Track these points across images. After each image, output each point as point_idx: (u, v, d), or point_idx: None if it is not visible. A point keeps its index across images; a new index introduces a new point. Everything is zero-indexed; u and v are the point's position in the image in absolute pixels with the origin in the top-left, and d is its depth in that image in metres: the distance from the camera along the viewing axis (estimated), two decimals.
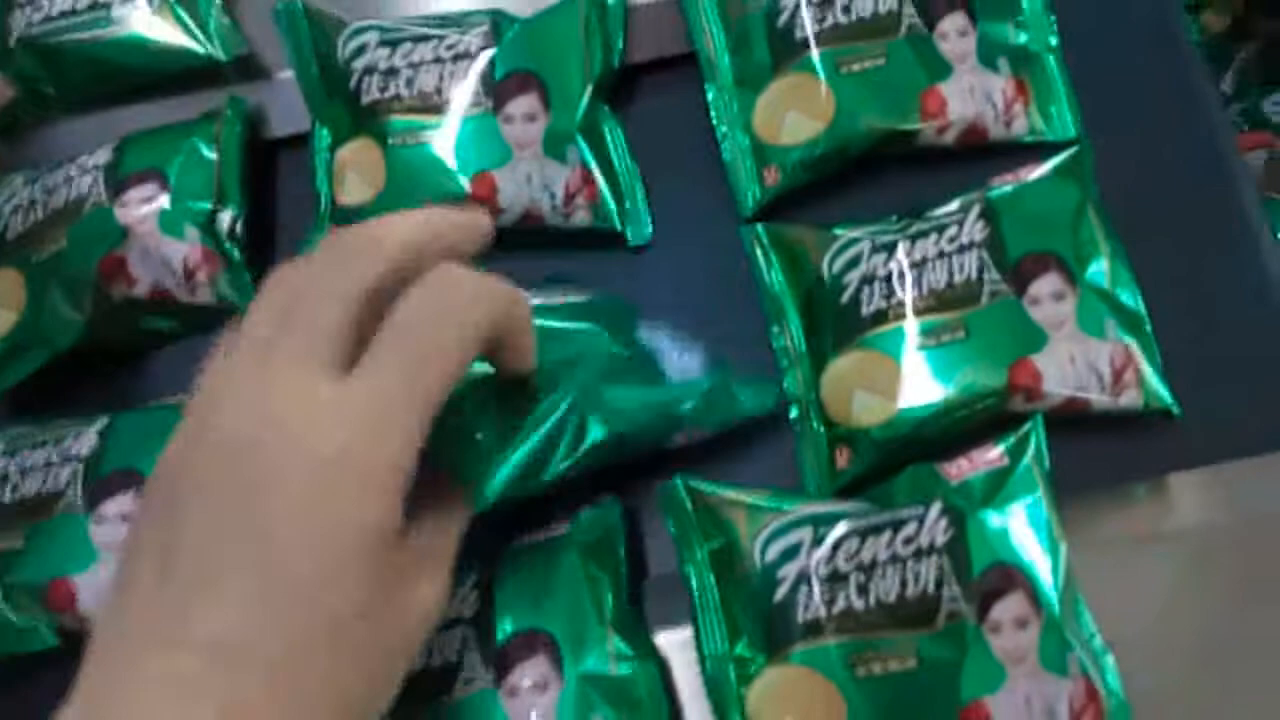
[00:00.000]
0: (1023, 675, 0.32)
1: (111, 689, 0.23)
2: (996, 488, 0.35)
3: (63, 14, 0.42)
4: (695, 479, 0.36)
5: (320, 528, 0.24)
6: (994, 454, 0.36)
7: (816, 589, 0.33)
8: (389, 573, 0.25)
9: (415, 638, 0.27)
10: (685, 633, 0.36)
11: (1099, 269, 0.39)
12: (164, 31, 0.42)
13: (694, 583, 0.35)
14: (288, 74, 0.44)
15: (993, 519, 0.34)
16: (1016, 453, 0.36)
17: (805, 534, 0.34)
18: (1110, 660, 0.34)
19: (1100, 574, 0.36)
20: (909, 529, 0.33)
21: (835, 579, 0.33)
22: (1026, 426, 0.36)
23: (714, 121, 0.43)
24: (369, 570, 0.24)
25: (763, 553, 0.34)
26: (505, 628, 0.34)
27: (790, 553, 0.33)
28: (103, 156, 0.41)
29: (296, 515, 0.23)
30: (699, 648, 0.35)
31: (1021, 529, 0.34)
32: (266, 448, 0.24)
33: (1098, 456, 0.39)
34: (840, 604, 0.33)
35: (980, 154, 0.42)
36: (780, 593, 0.33)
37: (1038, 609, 0.33)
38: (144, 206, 0.39)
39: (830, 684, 0.32)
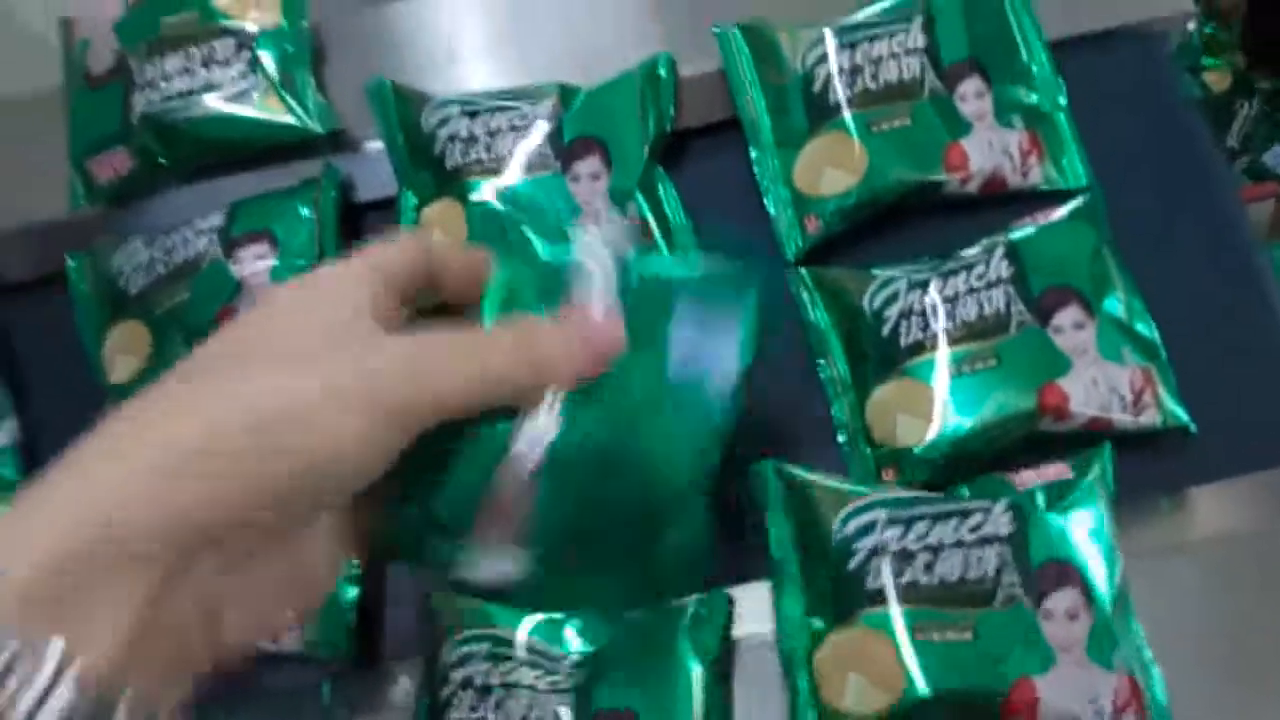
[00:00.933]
0: (1071, 663, 0.36)
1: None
2: (1060, 496, 0.39)
3: (180, 94, 0.47)
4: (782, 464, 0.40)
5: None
6: (1060, 468, 0.39)
7: (887, 562, 0.37)
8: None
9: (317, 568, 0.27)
10: (758, 588, 0.40)
11: (1115, 301, 0.43)
12: (269, 109, 0.48)
13: (777, 552, 0.39)
14: (375, 145, 0.49)
15: (1054, 521, 0.38)
16: (1082, 468, 0.39)
17: (881, 514, 0.37)
18: (1158, 672, 0.37)
19: (1132, 582, 0.39)
20: (975, 519, 0.37)
21: (905, 556, 0.37)
22: (1096, 448, 0.40)
23: (757, 178, 0.47)
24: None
25: (841, 528, 0.38)
26: (600, 701, 0.37)
27: (866, 529, 0.37)
28: (216, 219, 0.46)
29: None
30: (776, 608, 0.39)
31: (1081, 534, 0.38)
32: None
33: (1122, 473, 0.42)
34: (907, 577, 0.36)
35: (1001, 201, 0.46)
36: (854, 563, 0.37)
37: (1089, 606, 0.36)
38: (257, 262, 0.44)
39: (892, 646, 0.36)
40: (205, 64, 0.47)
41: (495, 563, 0.30)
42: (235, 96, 0.47)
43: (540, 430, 0.29)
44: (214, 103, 0.48)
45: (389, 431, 0.25)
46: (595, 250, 0.31)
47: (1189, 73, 1.06)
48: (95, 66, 0.49)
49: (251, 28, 0.48)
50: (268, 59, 0.48)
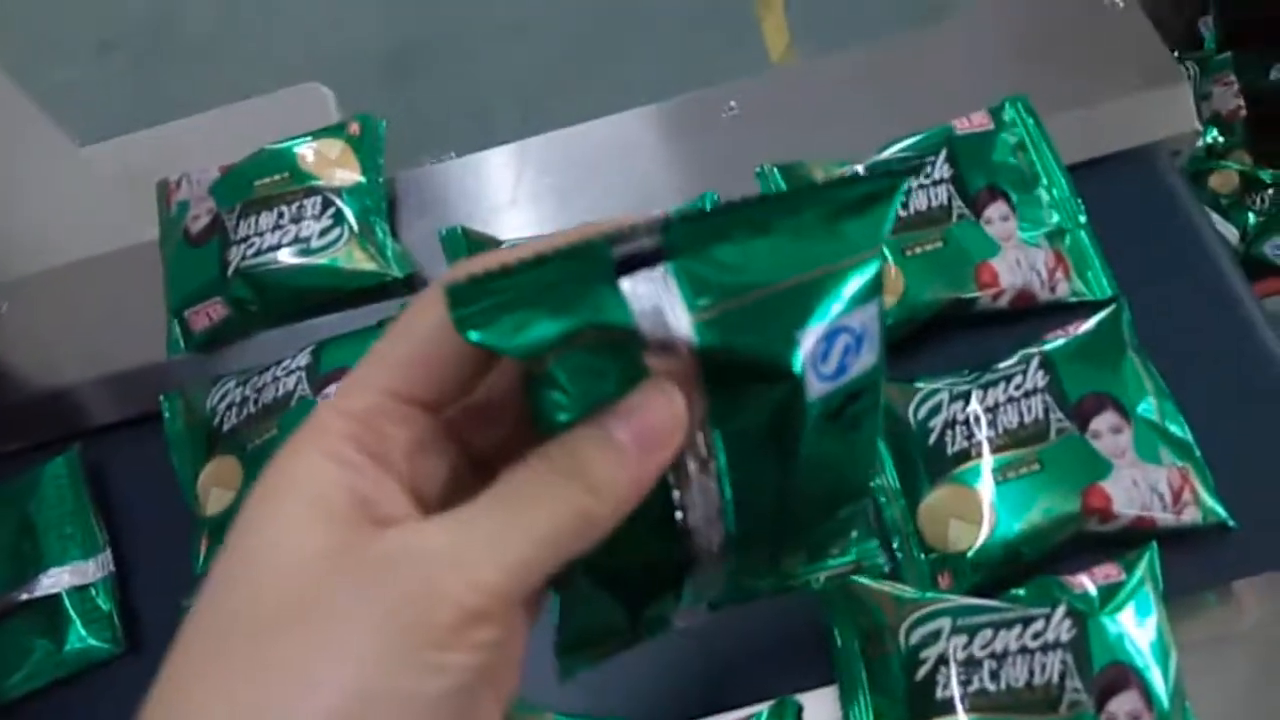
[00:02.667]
0: None
1: None
2: (1114, 597, 0.40)
3: (270, 249, 0.52)
4: None
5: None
6: (1111, 569, 0.41)
7: (954, 671, 0.38)
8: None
9: None
10: (824, 694, 0.42)
11: (1148, 405, 0.45)
12: (352, 258, 0.52)
13: (842, 660, 0.41)
14: None
15: (1111, 624, 0.39)
16: (1132, 569, 0.41)
17: (945, 623, 0.39)
18: None
19: (1184, 675, 0.40)
20: (1037, 625, 0.39)
21: (971, 664, 0.38)
22: (1143, 548, 0.42)
23: None
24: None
25: (907, 636, 0.39)
26: None
27: (931, 638, 0.39)
28: (303, 359, 0.49)
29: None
30: (845, 717, 0.40)
31: (1137, 634, 0.39)
32: None
33: (1168, 569, 0.43)
34: (975, 685, 0.38)
35: (1032, 314, 0.50)
36: (921, 672, 0.39)
37: (1150, 707, 0.38)
38: None
39: None
40: (294, 220, 0.52)
41: (687, 617, 0.30)
42: (322, 248, 0.52)
43: (707, 513, 0.26)
44: (302, 254, 0.52)
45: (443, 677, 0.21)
46: (656, 295, 0.24)
47: (1195, 178, 1.11)
48: (193, 225, 0.54)
49: (335, 184, 0.53)
50: (349, 213, 0.53)
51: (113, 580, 0.51)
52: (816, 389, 0.26)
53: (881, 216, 0.26)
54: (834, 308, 0.25)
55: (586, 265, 0.23)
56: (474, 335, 0.22)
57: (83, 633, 0.50)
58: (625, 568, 0.28)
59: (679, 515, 0.26)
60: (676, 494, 0.26)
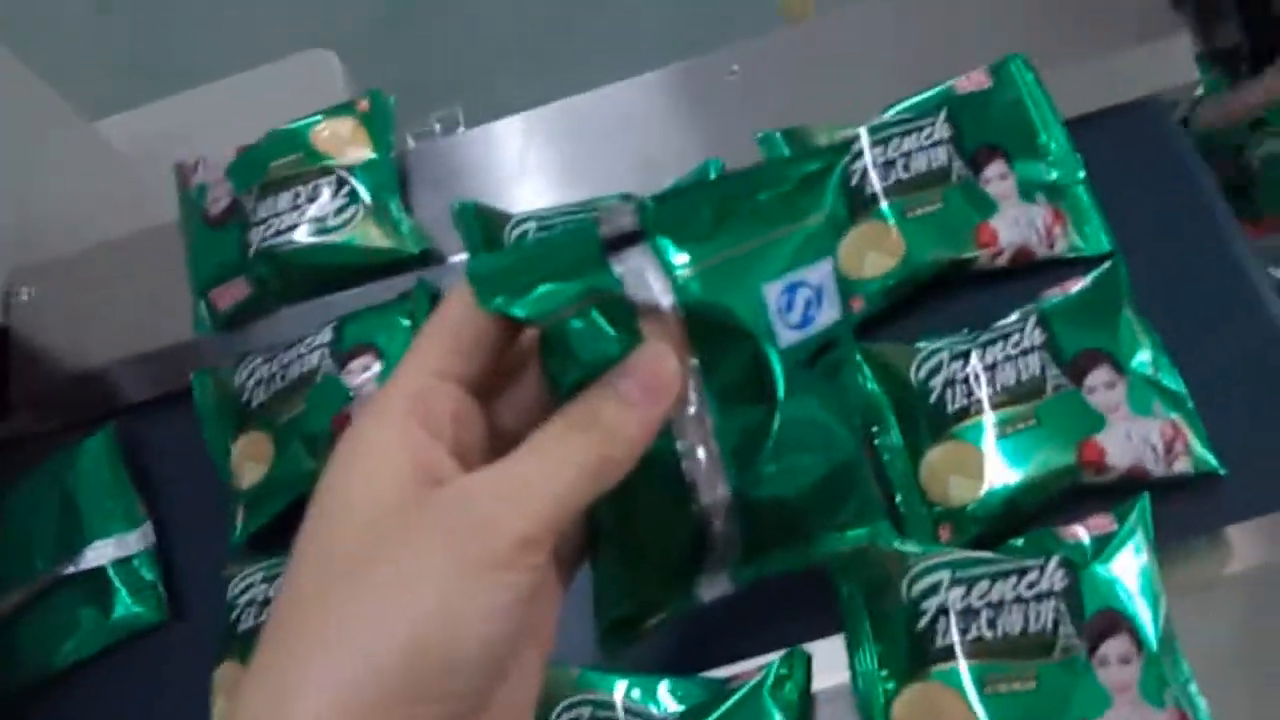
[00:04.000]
0: (1125, 704, 0.39)
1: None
2: (1106, 546, 0.42)
3: (290, 228, 0.53)
4: None
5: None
6: (1104, 520, 0.43)
7: (953, 620, 0.40)
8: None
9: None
10: (831, 643, 0.44)
11: (1142, 359, 0.47)
12: (368, 236, 0.54)
13: (848, 612, 0.43)
14: (459, 258, 0.55)
15: (1103, 572, 0.41)
16: (1123, 518, 0.43)
17: (945, 575, 0.41)
18: (1204, 703, 0.41)
19: (1175, 618, 0.42)
20: (1031, 575, 0.41)
21: (969, 613, 0.40)
22: (1135, 498, 0.43)
23: None
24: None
25: (909, 589, 0.42)
26: None
27: (932, 590, 0.41)
28: (326, 335, 0.51)
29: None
30: (851, 666, 0.43)
31: (1128, 581, 0.41)
32: None
33: (1160, 518, 0.45)
34: (973, 633, 0.40)
35: (1030, 271, 0.51)
36: (923, 622, 0.41)
37: (1139, 649, 0.40)
38: (364, 373, 0.49)
39: (963, 699, 0.39)
40: (310, 199, 0.54)
41: (714, 589, 0.34)
42: (337, 226, 0.54)
43: (707, 464, 0.30)
44: (320, 233, 0.54)
45: (508, 595, 0.25)
46: (640, 268, 0.28)
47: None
48: (213, 208, 0.56)
49: (347, 162, 0.55)
50: (363, 190, 0.54)
51: (155, 551, 0.54)
52: (787, 338, 0.30)
53: (824, 188, 0.31)
54: (789, 263, 0.30)
55: (579, 242, 0.28)
56: (493, 303, 0.27)
57: (129, 601, 0.52)
58: (647, 538, 0.32)
59: (685, 468, 0.30)
60: (680, 444, 0.30)
